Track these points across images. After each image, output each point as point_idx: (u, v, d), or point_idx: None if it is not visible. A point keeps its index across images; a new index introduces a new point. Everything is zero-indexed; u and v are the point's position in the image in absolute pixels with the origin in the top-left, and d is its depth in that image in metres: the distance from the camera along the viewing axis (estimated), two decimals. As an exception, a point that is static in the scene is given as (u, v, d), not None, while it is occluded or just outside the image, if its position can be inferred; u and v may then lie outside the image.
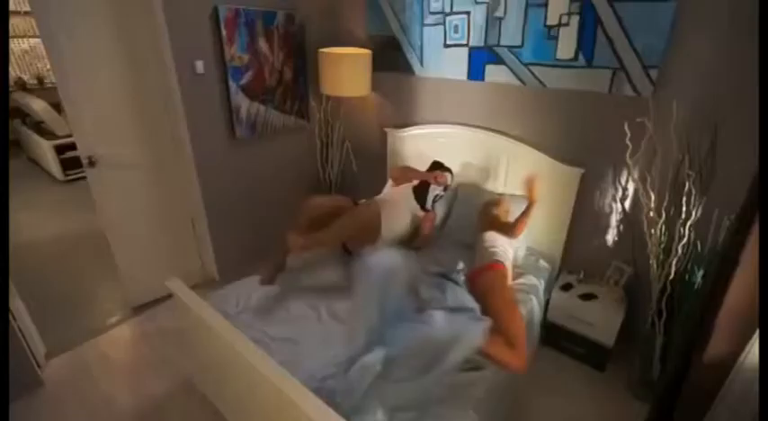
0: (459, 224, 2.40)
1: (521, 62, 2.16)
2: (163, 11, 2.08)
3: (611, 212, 2.13)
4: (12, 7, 4.97)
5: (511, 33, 2.14)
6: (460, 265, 1.93)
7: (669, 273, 1.80)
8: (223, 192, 2.66)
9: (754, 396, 1.33)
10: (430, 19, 2.41)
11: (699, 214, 1.72)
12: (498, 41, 2.20)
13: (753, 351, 1.33)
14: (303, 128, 3.07)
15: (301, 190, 3.23)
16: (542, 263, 2.25)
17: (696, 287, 1.74)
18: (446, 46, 2.41)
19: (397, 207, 2.20)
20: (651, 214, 1.84)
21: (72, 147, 3.18)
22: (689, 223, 1.73)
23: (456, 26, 2.33)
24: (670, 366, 1.73)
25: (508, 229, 1.99)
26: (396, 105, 2.82)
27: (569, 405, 1.93)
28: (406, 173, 2.39)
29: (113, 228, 2.36)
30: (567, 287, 2.17)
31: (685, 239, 1.75)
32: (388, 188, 2.52)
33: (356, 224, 1.92)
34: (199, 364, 1.87)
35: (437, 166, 2.40)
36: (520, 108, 2.27)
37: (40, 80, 5.62)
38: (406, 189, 2.33)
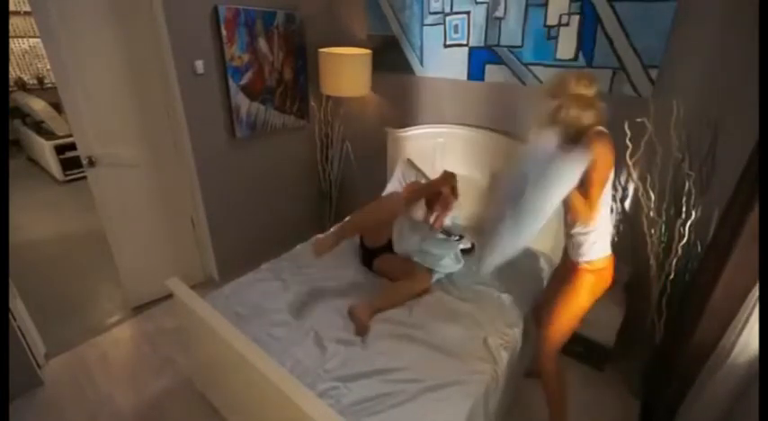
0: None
1: (521, 62, 2.16)
2: (163, 10, 2.08)
3: (611, 212, 2.12)
4: (12, 7, 4.97)
5: (511, 33, 2.14)
6: None
7: (669, 273, 1.80)
8: (223, 192, 2.66)
9: (732, 378, 1.44)
10: (430, 19, 2.41)
11: (699, 214, 1.72)
12: (498, 41, 2.20)
13: (733, 335, 1.42)
14: (303, 127, 3.07)
15: (301, 190, 3.24)
16: (542, 263, 2.24)
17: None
18: (446, 46, 2.41)
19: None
20: (651, 214, 1.84)
21: (72, 147, 3.18)
22: (689, 223, 1.73)
23: (456, 26, 2.33)
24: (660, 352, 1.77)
25: None
26: (396, 105, 2.82)
27: (568, 404, 1.92)
28: (413, 193, 2.17)
29: (113, 228, 2.36)
30: (566, 287, 2.17)
31: (685, 239, 1.75)
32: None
33: (378, 214, 1.96)
34: (199, 364, 1.87)
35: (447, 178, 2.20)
36: (520, 108, 2.26)
37: (40, 80, 5.62)
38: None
